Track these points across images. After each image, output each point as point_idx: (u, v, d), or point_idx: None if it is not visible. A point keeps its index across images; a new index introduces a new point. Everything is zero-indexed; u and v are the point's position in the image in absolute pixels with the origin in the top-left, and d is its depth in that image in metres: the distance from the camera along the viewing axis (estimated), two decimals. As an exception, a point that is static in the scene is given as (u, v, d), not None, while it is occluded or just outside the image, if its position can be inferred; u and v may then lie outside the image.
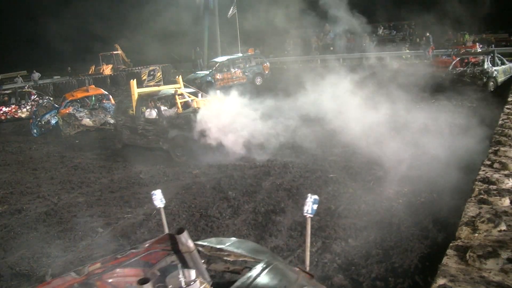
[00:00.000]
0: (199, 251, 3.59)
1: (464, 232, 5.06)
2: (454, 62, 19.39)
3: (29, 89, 24.98)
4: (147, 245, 3.51)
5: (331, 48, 34.27)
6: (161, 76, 15.93)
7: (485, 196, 5.96)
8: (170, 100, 13.23)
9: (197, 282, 3.07)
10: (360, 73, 20.29)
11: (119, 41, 36.09)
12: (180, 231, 3.36)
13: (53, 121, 17.63)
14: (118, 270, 3.25)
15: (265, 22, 21.24)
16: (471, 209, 5.65)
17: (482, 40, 28.01)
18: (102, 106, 17.74)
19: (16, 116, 21.91)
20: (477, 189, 6.31)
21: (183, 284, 3.03)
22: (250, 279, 3.13)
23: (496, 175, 6.74)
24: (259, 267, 3.31)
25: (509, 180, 6.48)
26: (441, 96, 16.21)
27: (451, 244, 4.74)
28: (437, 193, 7.44)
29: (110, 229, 7.42)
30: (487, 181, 6.57)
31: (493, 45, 26.84)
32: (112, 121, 16.05)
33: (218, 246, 3.80)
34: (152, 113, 12.56)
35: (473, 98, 16.03)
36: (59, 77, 38.11)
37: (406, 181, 8.09)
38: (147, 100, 12.97)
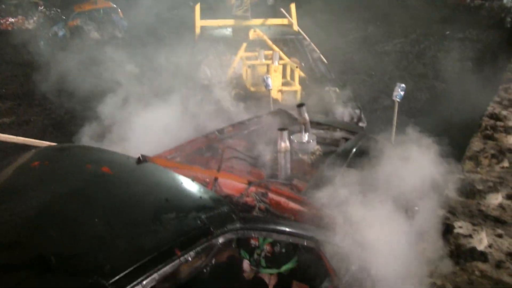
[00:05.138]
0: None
1: (466, 165, 5.11)
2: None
3: (37, 0, 24.48)
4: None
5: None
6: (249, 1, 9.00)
7: (491, 132, 5.97)
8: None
9: (314, 141, 4.03)
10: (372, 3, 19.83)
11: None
12: (301, 105, 3.98)
13: (60, 33, 17.37)
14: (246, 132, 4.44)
15: None
16: (475, 144, 5.67)
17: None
18: (111, 19, 17.43)
19: (23, 27, 21.61)
20: (484, 124, 6.30)
21: (304, 140, 3.96)
22: (353, 142, 4.17)
23: (504, 112, 6.71)
24: (357, 136, 4.37)
25: (517, 117, 6.47)
26: (456, 28, 15.83)
27: (452, 177, 4.79)
28: (445, 125, 7.41)
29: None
30: (494, 117, 6.55)
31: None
32: (120, 34, 15.74)
33: (322, 121, 4.84)
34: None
35: (488, 34, 15.65)
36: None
37: (416, 111, 8.02)
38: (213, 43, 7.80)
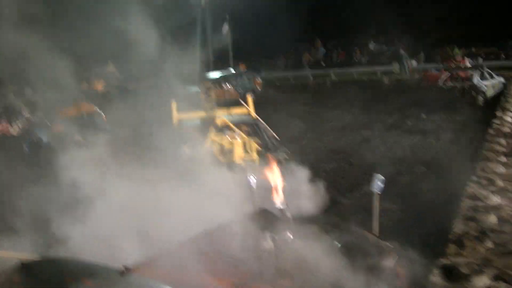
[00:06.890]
0: None
1: (450, 249, 5.09)
2: (443, 77, 19.51)
3: (21, 105, 24.80)
4: None
5: (323, 64, 34.33)
6: (214, 96, 11.85)
7: (472, 213, 6.01)
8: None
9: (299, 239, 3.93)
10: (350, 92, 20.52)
11: (110, 58, 35.98)
12: (285, 206, 4.24)
13: (44, 139, 17.51)
14: None
15: (257, 37, 21.32)
16: (458, 226, 5.69)
17: (471, 54, 28.09)
18: (94, 124, 17.70)
19: (7, 133, 21.75)
20: (464, 206, 6.36)
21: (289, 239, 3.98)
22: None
23: (484, 192, 6.80)
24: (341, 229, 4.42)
25: (496, 196, 6.54)
26: (431, 111, 16.32)
27: (437, 262, 4.77)
28: (426, 210, 7.43)
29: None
30: (474, 197, 6.63)
31: (479, 59, 26.90)
32: (103, 138, 15.88)
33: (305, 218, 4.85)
34: None
35: (462, 113, 16.14)
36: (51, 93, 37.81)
37: (397, 196, 8.06)
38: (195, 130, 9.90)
